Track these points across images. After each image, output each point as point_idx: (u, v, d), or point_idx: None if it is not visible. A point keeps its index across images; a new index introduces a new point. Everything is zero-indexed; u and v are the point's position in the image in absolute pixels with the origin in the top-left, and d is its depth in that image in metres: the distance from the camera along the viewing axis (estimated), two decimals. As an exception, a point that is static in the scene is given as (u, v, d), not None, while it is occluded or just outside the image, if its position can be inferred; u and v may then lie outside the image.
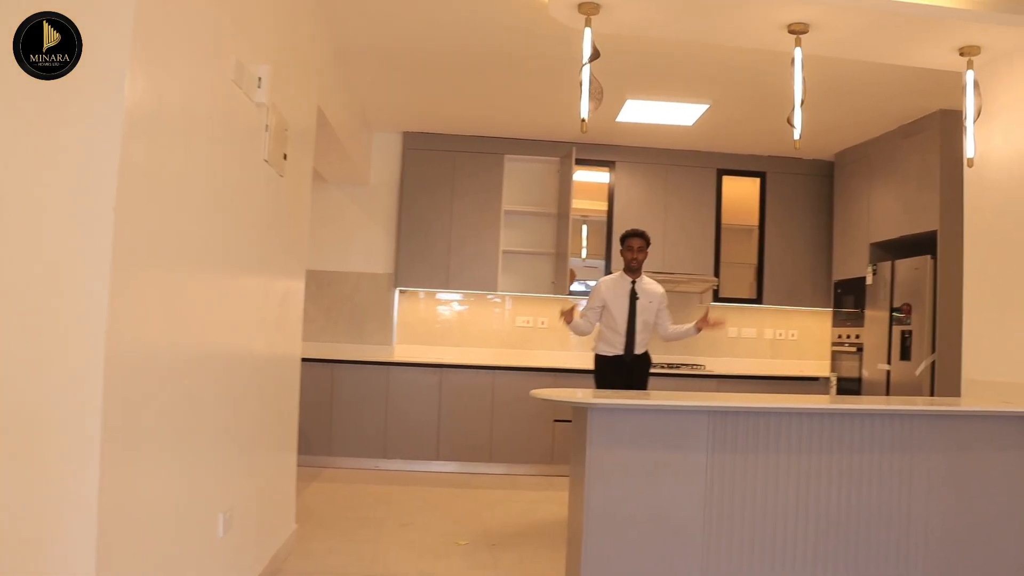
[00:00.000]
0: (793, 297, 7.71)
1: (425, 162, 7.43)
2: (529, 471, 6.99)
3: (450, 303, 7.68)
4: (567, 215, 7.28)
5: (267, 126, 3.53)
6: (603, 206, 7.64)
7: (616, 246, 7.35)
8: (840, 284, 7.29)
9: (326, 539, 4.74)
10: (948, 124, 5.98)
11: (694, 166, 7.65)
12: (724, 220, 7.72)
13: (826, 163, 7.73)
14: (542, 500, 6.03)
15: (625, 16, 4.10)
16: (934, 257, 5.94)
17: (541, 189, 7.72)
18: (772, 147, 7.53)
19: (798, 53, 4.13)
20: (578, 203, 7.42)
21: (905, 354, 6.14)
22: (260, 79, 3.34)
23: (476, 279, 7.40)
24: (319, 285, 7.38)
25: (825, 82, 5.76)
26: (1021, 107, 4.44)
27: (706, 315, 5.69)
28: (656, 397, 3.95)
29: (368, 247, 7.54)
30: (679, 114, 6.40)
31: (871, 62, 4.93)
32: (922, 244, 6.54)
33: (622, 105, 6.19)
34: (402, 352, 7.53)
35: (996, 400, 4.32)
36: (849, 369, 6.99)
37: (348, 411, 6.87)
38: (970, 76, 4.37)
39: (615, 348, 5.59)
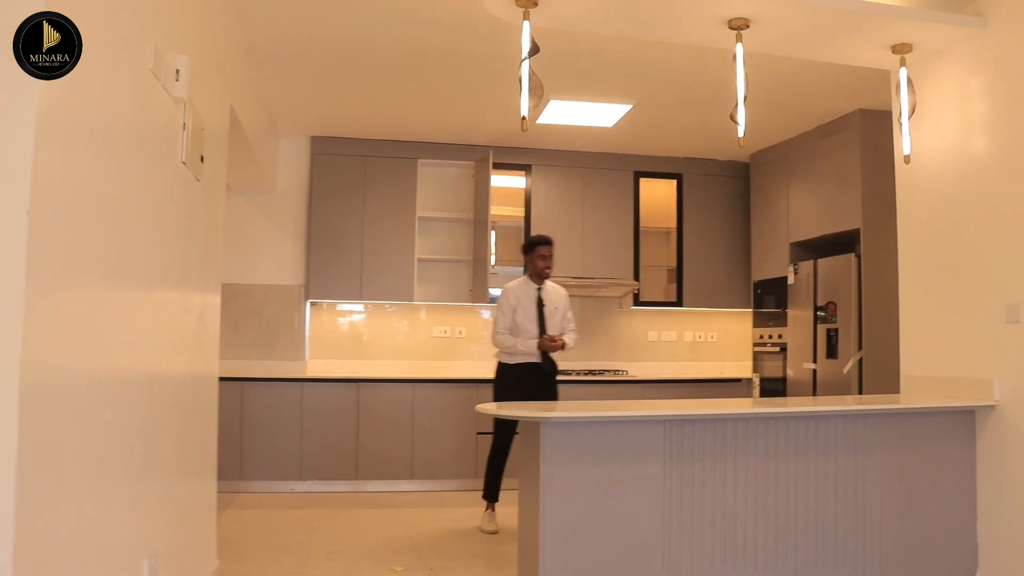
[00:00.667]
0: (713, 299, 7.67)
1: (335, 168, 7.09)
2: (454, 486, 6.72)
3: (364, 314, 7.35)
4: (485, 221, 7.06)
5: (185, 124, 3.18)
6: (517, 211, 7.44)
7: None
8: (760, 284, 7.28)
9: (251, 575, 4.38)
10: (868, 123, 6.02)
11: (611, 169, 7.53)
12: (642, 223, 7.63)
13: (742, 164, 7.72)
14: (473, 517, 5.77)
15: (564, 10, 3.90)
16: (858, 255, 5.95)
17: (456, 194, 7.48)
18: (688, 149, 7.48)
19: (739, 49, 4.01)
20: (492, 209, 7.19)
21: (831, 352, 6.13)
22: (178, 71, 3.00)
23: (391, 289, 7.09)
24: (225, 299, 6.85)
25: (727, 97, 5.70)
26: (950, 105, 4.43)
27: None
28: (609, 408, 3.77)
29: (276, 258, 7.15)
30: (601, 115, 6.26)
31: (791, 63, 4.91)
32: (842, 243, 6.58)
33: (546, 105, 6.00)
34: (316, 367, 7.17)
35: (938, 395, 4.29)
36: (772, 369, 6.97)
37: (260, 432, 6.48)
38: (903, 73, 4.34)
39: (526, 356, 5.47)
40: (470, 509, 6.05)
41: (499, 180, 7.34)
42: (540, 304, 5.48)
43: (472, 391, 6.77)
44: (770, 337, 7.00)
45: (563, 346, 5.47)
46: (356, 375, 6.79)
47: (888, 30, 4.20)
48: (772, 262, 7.10)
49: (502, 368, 5.58)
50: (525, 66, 3.74)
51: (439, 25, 4.71)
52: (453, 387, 6.79)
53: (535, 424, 3.54)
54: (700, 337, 7.90)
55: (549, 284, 5.61)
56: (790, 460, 3.81)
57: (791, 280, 6.67)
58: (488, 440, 6.72)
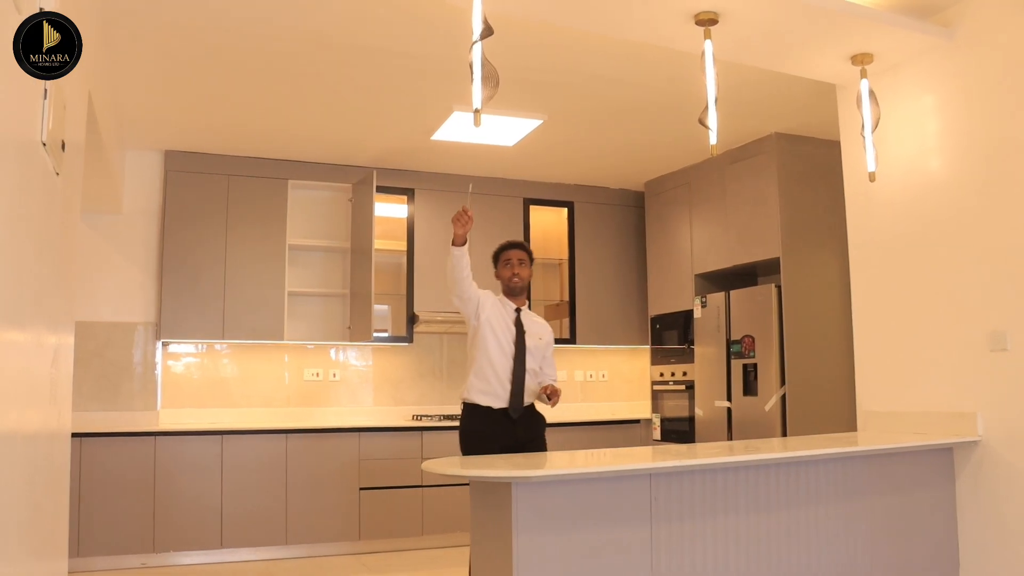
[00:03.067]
0: (607, 335, 7.20)
1: (193, 187, 6.16)
2: (334, 550, 5.87)
3: (227, 356, 6.40)
4: (365, 250, 6.31)
5: (46, 90, 2.35)
6: (394, 244, 6.73)
7: (419, 283, 6.54)
8: (659, 319, 6.87)
9: None
10: (784, 147, 5.74)
11: (500, 195, 6.96)
12: (533, 254, 7.06)
13: (635, 193, 7.34)
14: (368, 589, 4.99)
15: (516, -11, 3.32)
16: (778, 285, 5.61)
17: (332, 220, 6.69)
18: (580, 176, 7.04)
19: (708, 46, 3.55)
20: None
21: (749, 389, 5.75)
22: (41, 10, 2.19)
23: (258, 327, 6.20)
24: (55, 340, 5.86)
25: (638, 109, 5.34)
26: (910, 121, 4.15)
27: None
28: (589, 462, 3.14)
29: (121, 291, 6.11)
30: (506, 132, 5.68)
31: (700, 90, 4.54)
32: (748, 274, 6.28)
33: (447, 116, 5.37)
34: (170, 418, 6.15)
35: (904, 432, 3.95)
36: (675, 409, 6.54)
37: (103, 497, 5.43)
38: (865, 85, 4.01)
39: (496, 397, 4.01)
40: (361, 578, 5.26)
41: (376, 208, 6.58)
42: (520, 328, 4.13)
43: (352, 440, 5.99)
44: (672, 375, 6.58)
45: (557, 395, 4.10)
46: (218, 426, 5.85)
47: (851, 36, 3.88)
48: (673, 295, 6.70)
49: (465, 411, 4.11)
50: (477, 50, 3.11)
51: (335, 12, 3.99)
52: (331, 437, 5.98)
53: (503, 486, 2.87)
54: (591, 376, 7.40)
55: (531, 312, 4.35)
56: (781, 512, 3.32)
57: (698, 313, 6.27)
58: (376, 496, 5.97)
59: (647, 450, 3.86)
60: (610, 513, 2.98)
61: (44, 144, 2.37)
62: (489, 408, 4.01)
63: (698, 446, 4.05)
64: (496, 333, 4.10)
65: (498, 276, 4.39)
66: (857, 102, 4.05)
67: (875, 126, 3.99)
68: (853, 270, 4.45)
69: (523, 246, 4.44)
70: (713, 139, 3.54)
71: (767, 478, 3.29)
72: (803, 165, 5.81)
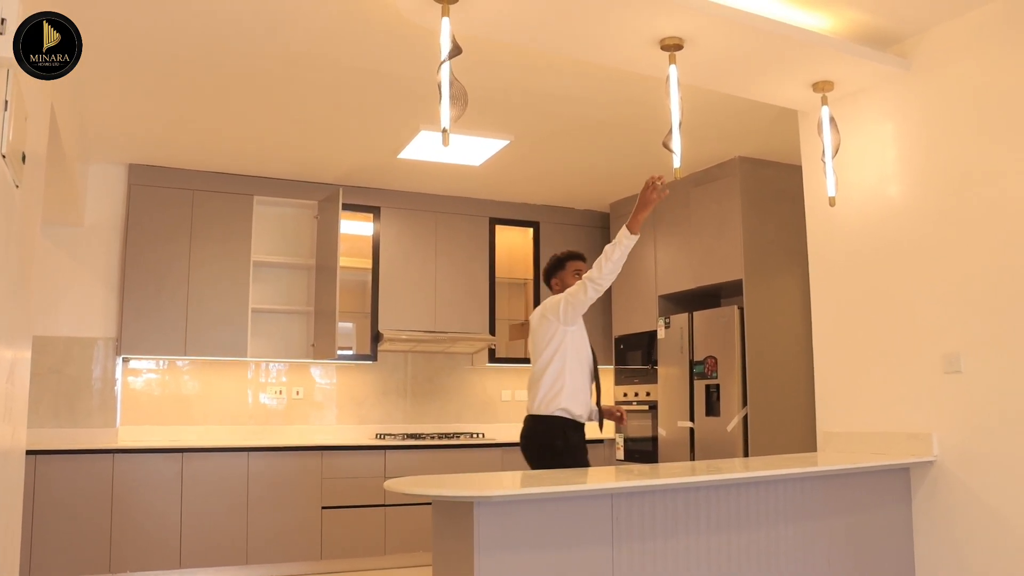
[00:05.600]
0: (571, 355, 7.20)
1: (156, 202, 6.11)
2: (296, 570, 5.82)
3: (189, 373, 6.34)
4: (330, 267, 6.30)
5: (7, 102, 2.34)
6: (359, 262, 6.72)
7: (384, 302, 6.53)
8: (622, 340, 6.90)
9: None
10: (747, 171, 5.82)
11: (467, 214, 6.99)
12: (498, 274, 7.10)
13: (600, 214, 7.40)
14: (328, 609, 4.95)
15: (485, 13, 3.34)
16: (740, 307, 5.67)
17: (297, 237, 6.67)
18: (546, 196, 7.08)
19: (673, 71, 3.61)
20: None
21: (711, 409, 5.79)
22: (3, 20, 2.17)
23: (221, 344, 6.15)
24: (13, 355, 5.76)
25: (603, 130, 5.40)
26: (869, 148, 4.23)
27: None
28: (550, 481, 3.15)
29: (81, 305, 6.03)
30: (473, 151, 5.71)
31: (663, 115, 4.60)
32: (712, 295, 6.34)
33: (414, 135, 5.38)
34: (129, 435, 6.07)
35: (863, 452, 4.01)
36: (639, 429, 6.57)
37: (57, 517, 5.34)
38: (826, 112, 4.09)
39: (586, 408, 4.01)
40: (322, 598, 5.22)
41: (342, 226, 6.56)
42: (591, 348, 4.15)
43: (314, 459, 5.94)
44: (636, 395, 6.62)
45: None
46: (179, 443, 5.78)
47: (812, 64, 3.96)
48: (637, 316, 6.75)
49: (559, 425, 3.97)
50: (445, 69, 3.13)
51: (304, 28, 3.99)
52: (293, 455, 5.93)
53: (463, 505, 2.87)
54: (556, 396, 7.39)
55: None
56: (742, 531, 3.34)
57: (661, 335, 6.32)
58: (338, 515, 5.93)
59: (609, 470, 3.87)
60: (572, 533, 2.98)
61: (3, 156, 2.35)
62: (580, 418, 4.01)
63: (660, 466, 4.08)
64: (582, 341, 4.15)
65: (564, 283, 4.26)
66: (818, 128, 4.12)
67: (835, 152, 4.06)
68: (813, 292, 4.52)
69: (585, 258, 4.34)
70: (677, 163, 3.59)
71: (728, 498, 3.31)
72: (766, 188, 5.89)
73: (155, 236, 6.06)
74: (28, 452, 5.24)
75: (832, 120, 4.06)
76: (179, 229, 6.12)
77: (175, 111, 5.13)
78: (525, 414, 4.14)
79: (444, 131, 3.14)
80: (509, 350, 7.24)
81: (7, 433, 2.83)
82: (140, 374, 6.20)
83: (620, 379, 6.89)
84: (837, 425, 4.28)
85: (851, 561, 3.68)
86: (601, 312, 7.28)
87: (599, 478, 3.34)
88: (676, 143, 3.56)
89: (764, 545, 3.40)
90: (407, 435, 6.63)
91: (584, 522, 3.01)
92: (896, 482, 3.88)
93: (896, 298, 4.01)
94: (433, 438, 6.54)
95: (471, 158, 5.86)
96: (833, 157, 4.05)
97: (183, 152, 5.91)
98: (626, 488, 3.09)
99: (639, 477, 3.28)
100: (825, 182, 4.15)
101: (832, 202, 4.10)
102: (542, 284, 7.09)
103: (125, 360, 6.13)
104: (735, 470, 3.46)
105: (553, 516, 2.96)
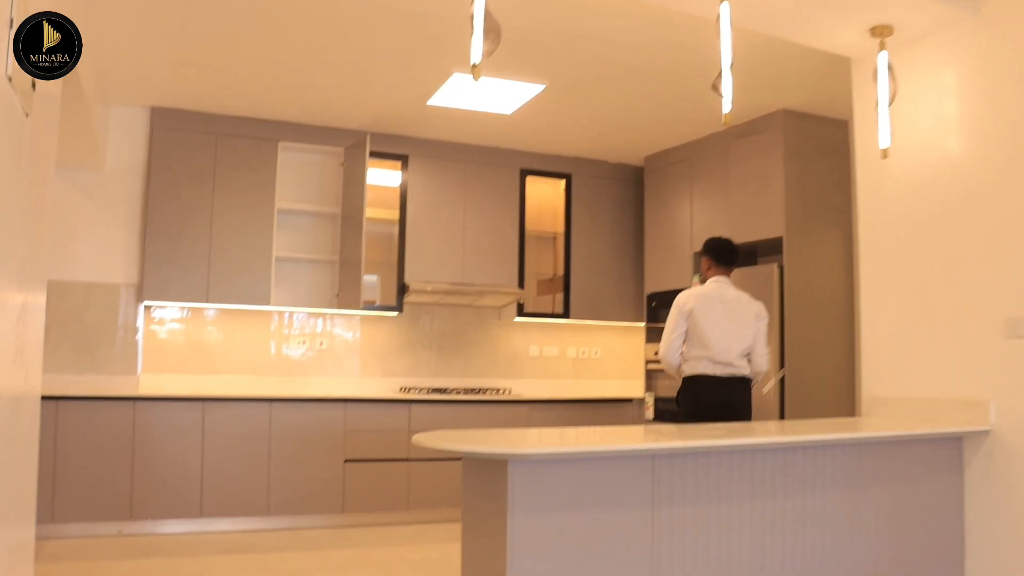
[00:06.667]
0: (601, 311, 7.05)
1: (179, 146, 5.95)
2: (317, 523, 5.73)
3: (211, 320, 6.22)
4: (355, 216, 6.13)
5: (12, 20, 2.15)
6: (385, 213, 6.54)
7: (411, 253, 6.40)
8: (655, 297, 6.71)
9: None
10: (791, 124, 5.58)
11: (497, 165, 6.78)
12: (528, 227, 6.92)
13: (634, 168, 7.17)
14: (349, 565, 4.85)
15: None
16: (780, 265, 5.47)
17: (322, 184, 6.50)
18: (578, 147, 6.86)
19: (725, 8, 3.37)
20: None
21: (747, 371, 5.61)
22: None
23: (244, 291, 6.02)
24: (33, 299, 5.66)
25: (641, 77, 5.17)
26: (927, 97, 3.98)
27: None
28: (589, 440, 2.99)
29: (102, 250, 5.91)
30: (505, 97, 5.49)
31: (706, 60, 4.35)
32: (748, 252, 6.12)
33: (446, 79, 5.17)
34: (151, 383, 5.97)
35: (913, 418, 3.81)
36: (670, 389, 6.38)
37: (79, 462, 5.26)
38: (883, 58, 3.84)
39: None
40: (342, 552, 5.13)
41: (369, 176, 6.37)
42: None
43: (338, 411, 5.83)
44: (668, 353, 6.43)
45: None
46: (200, 392, 5.68)
47: (873, 6, 3.71)
48: (670, 273, 6.55)
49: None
50: (479, 1, 2.93)
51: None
52: (316, 407, 5.81)
53: (498, 463, 2.72)
54: (584, 353, 7.25)
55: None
56: (786, 498, 3.18)
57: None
58: (361, 469, 5.83)
59: (651, 429, 3.71)
60: (610, 495, 2.84)
61: (10, 79, 2.18)
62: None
63: (702, 427, 3.91)
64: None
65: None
66: (873, 76, 3.88)
67: (891, 101, 3.83)
68: (862, 249, 4.31)
69: None
70: (727, 107, 3.38)
71: (773, 462, 3.15)
72: (810, 143, 5.65)
73: (178, 181, 5.91)
74: (49, 398, 5.18)
75: (890, 67, 3.82)
76: (202, 174, 5.97)
77: (197, 52, 4.96)
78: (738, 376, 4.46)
79: (475, 66, 2.95)
80: (537, 305, 7.08)
81: (19, 377, 2.70)
82: (162, 322, 6.09)
83: (651, 337, 6.71)
84: (884, 390, 4.09)
85: (897, 532, 3.51)
86: (632, 268, 7.11)
87: (642, 438, 3.18)
88: (727, 85, 3.35)
89: (808, 513, 3.24)
90: (432, 389, 6.50)
91: (623, 484, 2.86)
92: (947, 451, 3.69)
93: (953, 257, 3.79)
94: (459, 392, 6.41)
95: (503, 105, 5.64)
96: (889, 107, 3.82)
97: (206, 96, 5.74)
98: (669, 449, 2.93)
99: (682, 438, 3.13)
100: (878, 134, 3.92)
101: (885, 154, 3.87)
102: (574, 239, 6.94)
103: (147, 307, 6.01)
104: (781, 434, 3.29)
105: (591, 476, 2.81)
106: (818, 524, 3.25)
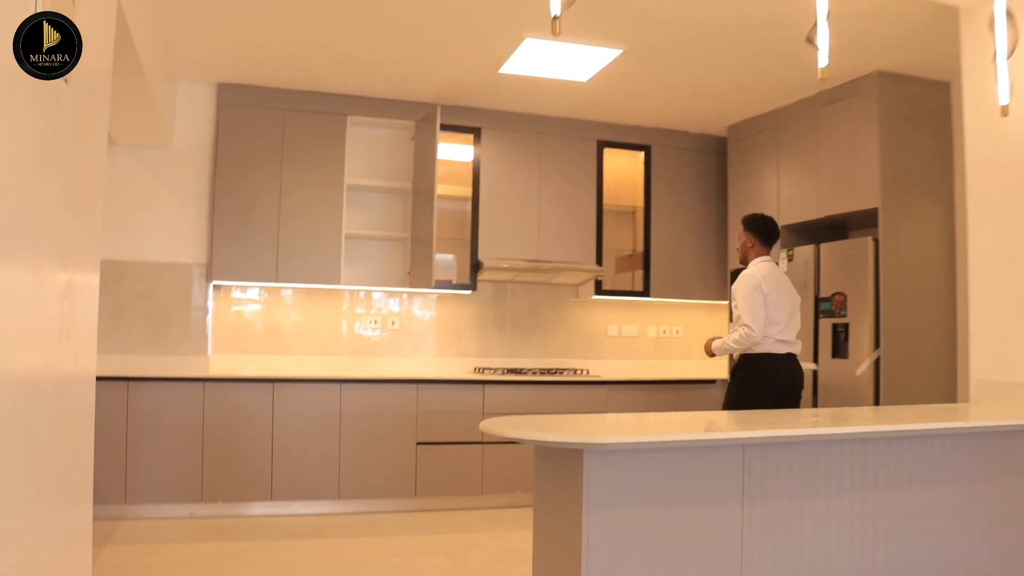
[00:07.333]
0: (682, 289, 6.73)
1: (246, 123, 5.84)
2: (389, 507, 5.60)
3: (281, 301, 6.12)
4: (427, 191, 5.93)
5: None
6: (460, 190, 6.33)
7: (484, 230, 6.19)
8: (739, 274, 6.36)
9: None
10: (887, 87, 5.18)
11: (572, 136, 6.51)
12: (606, 201, 6.64)
13: (716, 138, 6.82)
14: (420, 551, 4.69)
15: None
16: (875, 238, 5.10)
17: (393, 159, 6.32)
18: (657, 117, 6.53)
19: (821, -51, 3.05)
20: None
21: (838, 351, 5.27)
22: None
23: (313, 270, 5.89)
24: (104, 279, 5.50)
25: (724, 38, 4.84)
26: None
27: None
28: (673, 428, 2.74)
29: (171, 230, 5.84)
30: (580, 64, 5.21)
31: (788, 25, 4.02)
32: (837, 226, 5.77)
33: (517, 45, 4.92)
34: (220, 364, 5.90)
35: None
36: (755, 370, 6.08)
37: (150, 443, 5.20)
38: (1001, 4, 3.46)
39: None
40: (414, 538, 4.97)
41: (441, 151, 6.13)
42: None
43: (410, 392, 5.66)
44: (753, 333, 6.10)
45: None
46: (270, 374, 5.58)
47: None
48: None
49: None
50: (557, -49, 2.68)
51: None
52: (388, 388, 5.66)
53: (573, 453, 2.49)
54: (664, 332, 6.96)
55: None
56: (890, 491, 2.87)
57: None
58: (434, 452, 5.67)
59: (739, 415, 3.44)
60: (697, 489, 2.58)
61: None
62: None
63: (795, 412, 3.62)
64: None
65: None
66: (989, 25, 3.50)
67: (1011, 52, 3.45)
68: (972, 219, 3.93)
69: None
70: (823, 60, 3.05)
71: (875, 453, 2.84)
72: (908, 107, 5.25)
73: (245, 158, 5.80)
74: (120, 379, 5.14)
75: (1009, 14, 3.44)
76: (270, 151, 5.84)
77: (263, 25, 4.80)
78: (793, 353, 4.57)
79: (555, 19, 2.70)
80: (616, 282, 6.80)
81: (66, 357, 2.56)
82: (231, 302, 6.01)
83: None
84: (995, 373, 3.73)
85: (1014, 529, 3.17)
86: (715, 244, 6.78)
87: (731, 426, 2.91)
88: (823, 36, 3.03)
89: (915, 509, 2.92)
90: (507, 370, 6.30)
91: (711, 476, 2.60)
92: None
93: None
94: (535, 373, 6.19)
95: (578, 72, 5.36)
96: (1008, 58, 3.44)
97: (273, 70, 5.60)
98: (761, 438, 2.66)
99: (776, 426, 2.85)
100: (993, 90, 3.54)
101: (1005, 112, 3.49)
102: (654, 213, 6.65)
103: (216, 287, 5.93)
104: (887, 421, 2.98)
105: (675, 468, 2.56)
106: (925, 522, 2.94)
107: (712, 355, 4.78)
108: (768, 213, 6.05)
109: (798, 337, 4.59)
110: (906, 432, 2.85)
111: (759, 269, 4.60)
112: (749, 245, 4.72)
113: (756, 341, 4.44)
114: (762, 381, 4.47)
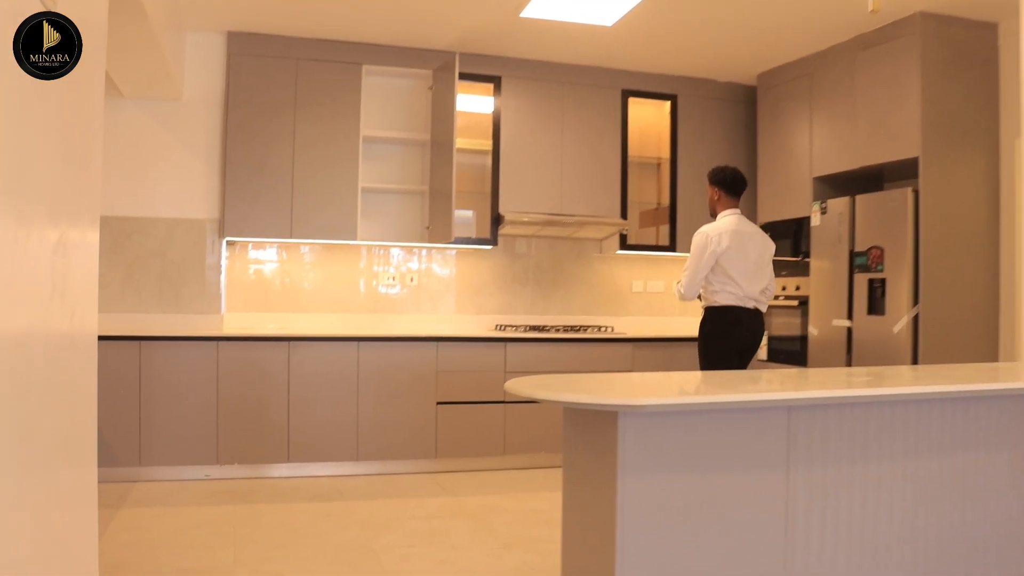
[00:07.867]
0: (709, 244, 6.50)
1: (258, 73, 5.63)
2: (408, 468, 5.47)
3: (296, 257, 5.95)
4: (446, 143, 5.72)
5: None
6: (479, 143, 6.10)
7: (505, 183, 5.99)
8: (769, 227, 6.13)
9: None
10: (930, 29, 4.90)
11: (596, 85, 6.26)
12: (631, 152, 6.40)
13: (745, 87, 6.55)
14: (441, 513, 4.56)
15: None
16: (915, 190, 4.86)
17: (410, 110, 6.10)
18: (684, 65, 6.27)
19: None
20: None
21: (875, 307, 5.06)
22: None
23: (329, 225, 5.71)
24: (115, 236, 5.48)
25: None
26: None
27: None
28: (714, 388, 2.56)
29: (182, 185, 5.66)
30: (604, 6, 4.96)
31: None
32: (872, 177, 5.53)
33: (539, -12, 4.69)
34: (234, 322, 5.76)
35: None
36: (785, 327, 5.89)
37: (164, 404, 5.08)
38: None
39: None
40: (436, 500, 4.84)
41: (460, 102, 5.89)
42: None
43: (429, 351, 5.51)
44: (783, 289, 5.90)
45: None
46: (286, 332, 5.42)
47: None
48: (786, 200, 5.98)
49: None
50: None
51: None
52: (406, 346, 5.50)
53: (607, 415, 2.31)
54: (690, 288, 6.74)
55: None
56: (942, 457, 2.69)
57: (816, 221, 5.55)
58: (454, 412, 5.53)
59: (783, 374, 3.24)
60: (738, 453, 2.40)
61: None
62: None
63: (838, 372, 3.43)
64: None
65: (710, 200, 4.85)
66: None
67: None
68: (1020, 170, 3.69)
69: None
70: (876, -8, 2.82)
71: (928, 415, 2.65)
72: (951, 51, 4.97)
73: (257, 110, 5.60)
74: (133, 338, 5.00)
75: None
76: (283, 102, 5.64)
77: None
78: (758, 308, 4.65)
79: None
80: (641, 237, 6.58)
81: (63, 316, 2.39)
82: (245, 259, 5.85)
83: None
84: (1050, 328, 3.52)
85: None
86: (744, 197, 6.53)
87: (775, 384, 2.72)
88: (875, -33, 2.80)
89: (972, 473, 2.74)
90: (529, 327, 6.13)
91: (753, 440, 2.42)
92: None
93: None
94: (558, 331, 6.02)
95: (603, 15, 5.11)
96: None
97: (285, 17, 5.37)
98: (808, 399, 2.47)
99: (825, 386, 2.65)
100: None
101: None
102: (681, 165, 6.41)
103: (230, 243, 5.77)
104: (945, 381, 2.77)
105: (716, 431, 2.39)
106: (981, 489, 2.76)
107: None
108: (796, 164, 5.85)
109: (768, 288, 4.67)
110: (962, 393, 2.65)
111: (725, 223, 4.59)
112: (715, 198, 4.73)
113: (687, 298, 4.61)
114: (727, 332, 4.55)
